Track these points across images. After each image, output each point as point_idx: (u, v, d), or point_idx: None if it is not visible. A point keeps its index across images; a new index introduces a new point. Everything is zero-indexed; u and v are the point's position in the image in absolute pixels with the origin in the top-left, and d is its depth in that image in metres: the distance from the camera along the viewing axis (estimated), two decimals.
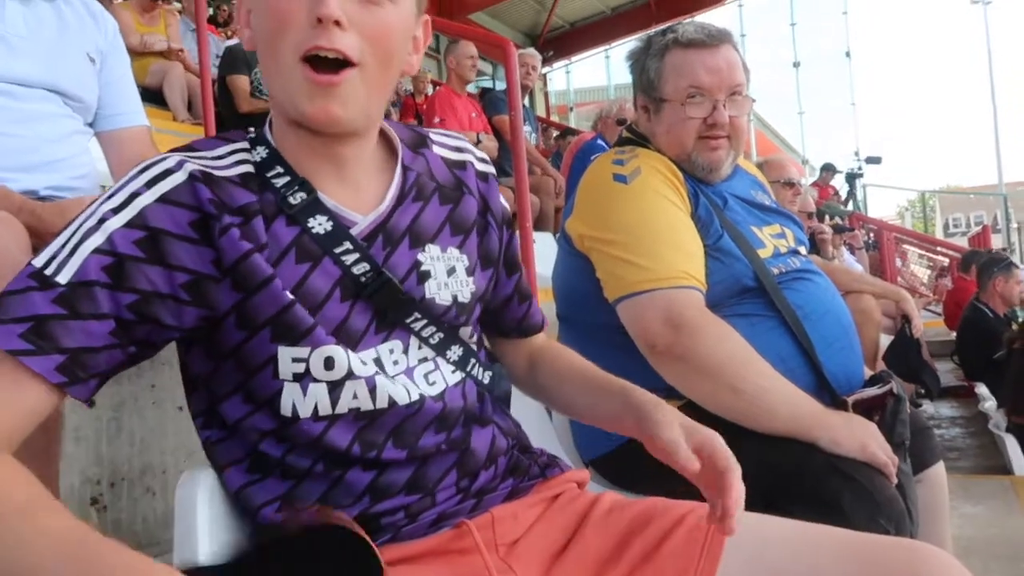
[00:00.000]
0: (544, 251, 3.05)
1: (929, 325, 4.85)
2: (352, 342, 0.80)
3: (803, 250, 1.46)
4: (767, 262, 1.33)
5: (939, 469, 1.46)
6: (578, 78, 17.01)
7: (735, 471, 0.79)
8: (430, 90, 6.58)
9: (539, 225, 4.27)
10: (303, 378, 0.78)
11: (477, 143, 4.06)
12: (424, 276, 0.85)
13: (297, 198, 0.79)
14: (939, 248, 11.57)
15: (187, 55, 5.23)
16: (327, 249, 0.79)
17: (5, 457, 0.67)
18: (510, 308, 1.01)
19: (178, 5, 5.98)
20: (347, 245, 0.80)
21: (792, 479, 1.13)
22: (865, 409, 1.23)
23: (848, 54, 17.51)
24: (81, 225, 0.73)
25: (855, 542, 0.83)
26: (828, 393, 1.26)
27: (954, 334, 5.27)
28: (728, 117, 1.36)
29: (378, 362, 0.82)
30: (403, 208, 0.85)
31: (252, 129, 0.85)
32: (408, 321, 0.84)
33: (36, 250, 1.10)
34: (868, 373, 1.40)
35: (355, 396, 0.79)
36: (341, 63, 0.75)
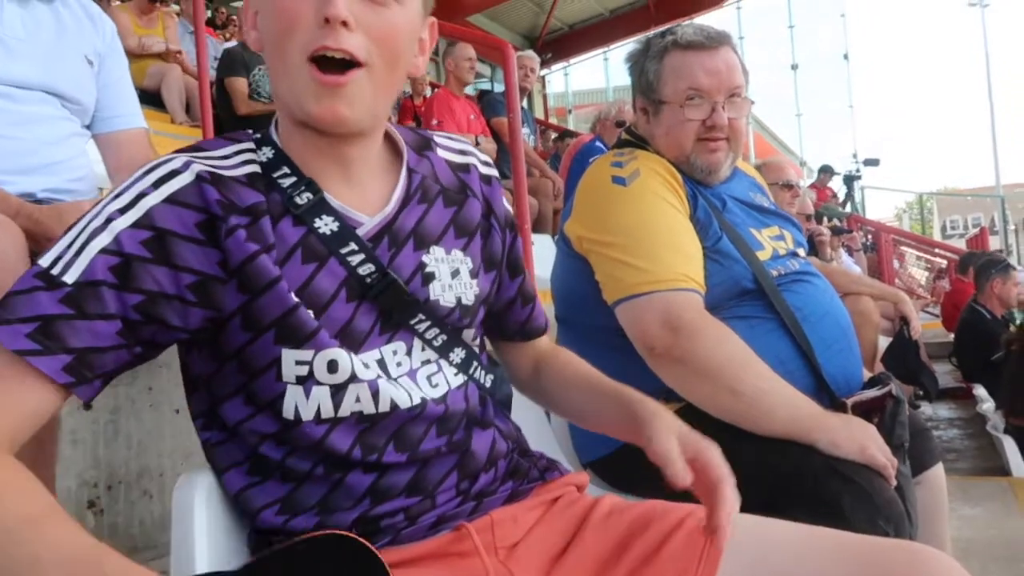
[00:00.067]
0: (543, 253, 3.05)
1: (927, 327, 4.85)
2: (356, 343, 0.80)
3: (802, 252, 1.46)
4: (766, 264, 1.33)
5: (938, 471, 1.45)
6: (576, 80, 17.01)
7: (728, 484, 0.80)
8: (428, 92, 6.58)
9: (538, 227, 4.27)
10: (306, 381, 0.78)
11: (476, 145, 4.05)
12: (429, 278, 0.85)
13: (303, 198, 0.79)
14: (937, 250, 11.59)
15: (185, 57, 5.23)
16: (333, 249, 0.79)
17: (10, 462, 0.67)
18: (513, 311, 1.01)
19: (176, 7, 5.98)
20: (353, 246, 0.80)
21: (791, 481, 1.13)
22: (864, 411, 1.23)
23: (846, 56, 17.56)
24: (87, 225, 0.73)
25: (856, 545, 0.83)
26: (827, 395, 1.26)
27: (952, 336, 5.28)
28: (727, 119, 1.36)
29: (381, 363, 0.82)
30: (408, 210, 0.85)
31: (251, 131, 0.85)
32: (412, 323, 0.84)
33: (33, 254, 1.10)
34: (867, 375, 1.40)
35: (358, 399, 0.79)
36: (348, 63, 0.75)
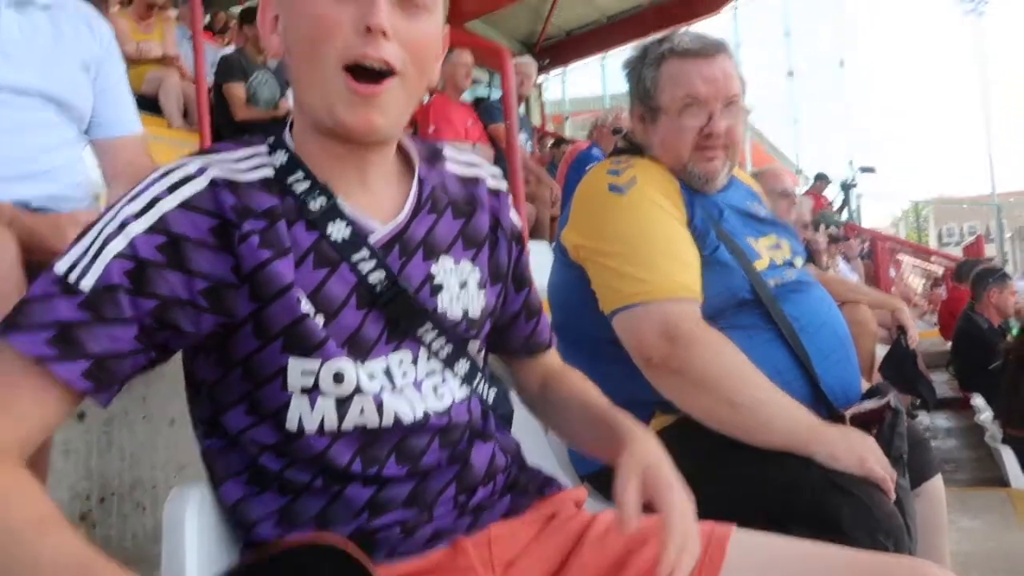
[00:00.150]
0: (539, 260, 3.03)
1: (924, 335, 4.85)
2: (363, 351, 0.80)
3: (799, 261, 1.45)
4: (763, 274, 1.33)
5: (937, 483, 1.45)
6: (573, 87, 17.04)
7: (674, 540, 0.75)
8: (425, 98, 6.58)
9: (535, 234, 4.26)
10: (312, 392, 0.78)
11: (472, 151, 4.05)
12: (437, 288, 0.85)
13: (317, 203, 0.79)
14: (933, 258, 11.61)
15: (183, 62, 5.23)
16: (345, 256, 0.79)
17: (20, 469, 0.68)
18: (517, 324, 1.01)
19: (174, 12, 5.98)
20: (364, 253, 0.80)
21: (789, 494, 1.13)
22: (863, 423, 1.22)
23: (842, 64, 17.63)
24: (102, 230, 0.73)
25: (857, 561, 0.82)
26: (825, 406, 1.25)
27: (949, 344, 5.28)
28: (724, 127, 1.36)
29: (387, 372, 0.82)
30: (419, 219, 0.85)
31: (263, 135, 0.85)
32: (419, 332, 0.84)
33: (27, 263, 1.09)
34: (865, 385, 1.39)
35: (362, 412, 0.79)
36: (381, 72, 0.75)
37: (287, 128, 0.85)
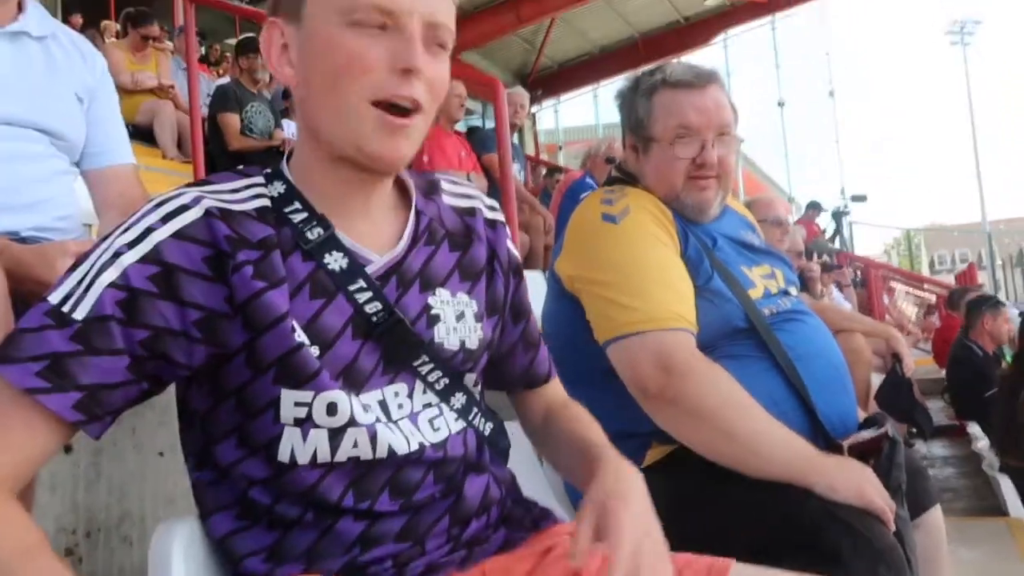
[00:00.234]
0: (533, 289, 3.02)
1: (919, 363, 4.85)
2: (358, 383, 0.80)
3: (793, 290, 1.45)
4: (758, 303, 1.32)
5: (936, 513, 1.43)
6: (567, 117, 17.22)
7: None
8: None
9: (528, 263, 4.27)
10: (304, 423, 0.77)
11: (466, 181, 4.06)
12: (434, 320, 0.85)
13: (314, 233, 0.79)
14: (926, 285, 11.66)
15: (177, 92, 5.27)
16: (341, 286, 0.79)
17: (11, 501, 0.68)
18: (515, 356, 1.00)
19: (170, 45, 6.03)
20: (361, 283, 0.80)
21: (788, 526, 1.11)
22: (861, 453, 1.21)
23: (832, 94, 17.86)
24: (97, 260, 0.73)
25: None
26: (822, 436, 1.24)
27: (944, 371, 5.27)
28: (716, 157, 1.36)
29: (383, 404, 0.81)
30: (416, 251, 0.86)
31: (243, 167, 0.85)
32: (415, 364, 0.83)
33: (15, 293, 1.07)
34: (861, 414, 1.38)
35: (355, 444, 0.79)
36: (408, 108, 0.77)
37: (284, 159, 0.85)
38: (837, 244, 11.39)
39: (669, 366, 1.19)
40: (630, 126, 1.45)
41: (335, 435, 0.78)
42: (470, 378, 0.90)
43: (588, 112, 17.09)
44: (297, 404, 0.77)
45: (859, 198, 13.88)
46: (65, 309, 0.71)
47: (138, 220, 0.75)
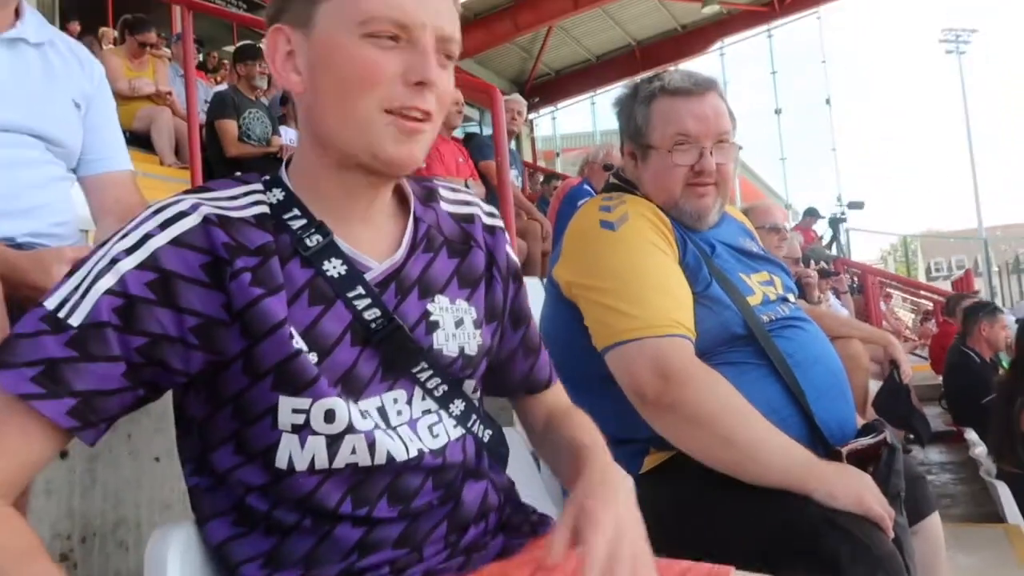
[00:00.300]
0: (531, 296, 3.03)
1: (915, 369, 4.86)
2: (357, 390, 0.79)
3: (792, 297, 1.45)
4: (756, 310, 1.32)
5: (934, 520, 1.43)
6: (564, 124, 17.27)
7: None
8: None
9: (526, 270, 4.26)
10: (302, 430, 0.77)
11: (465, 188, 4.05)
12: (433, 326, 0.85)
13: (313, 240, 0.79)
14: (922, 292, 11.68)
15: (175, 99, 5.27)
16: (340, 293, 0.79)
17: (6, 507, 0.68)
18: (515, 362, 1.00)
19: (168, 52, 6.04)
20: (360, 290, 0.80)
21: (787, 532, 1.11)
22: (859, 460, 1.21)
23: (828, 101, 17.90)
24: (94, 266, 0.73)
25: None
26: (821, 443, 1.24)
27: (941, 378, 5.27)
28: (715, 164, 1.37)
29: (381, 411, 0.81)
30: (415, 258, 0.86)
31: (242, 174, 0.85)
32: (414, 371, 0.83)
33: (9, 299, 1.07)
34: (859, 421, 1.38)
35: (354, 451, 0.78)
36: (420, 119, 0.78)
37: (284, 165, 0.85)
38: (834, 251, 11.40)
39: (667, 373, 1.19)
40: (628, 133, 1.45)
41: (333, 442, 0.78)
42: (469, 384, 0.90)
43: (585, 119, 17.16)
44: (295, 411, 0.76)
45: (856, 205, 13.91)
46: (61, 315, 0.71)
47: (136, 227, 0.75)
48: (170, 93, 5.27)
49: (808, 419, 1.25)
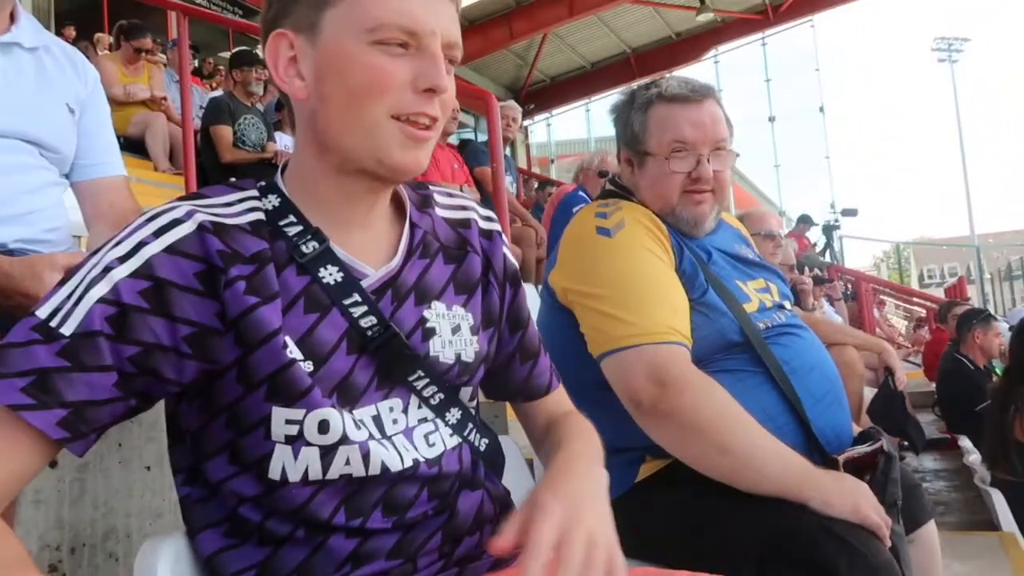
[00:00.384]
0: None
1: (909, 376, 4.87)
2: (352, 398, 0.79)
3: (788, 304, 1.45)
4: (752, 317, 1.32)
5: (931, 528, 1.43)
6: (559, 131, 17.30)
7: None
8: None
9: (521, 276, 4.26)
10: (295, 441, 0.76)
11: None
12: (429, 333, 0.84)
13: (309, 247, 0.78)
14: (915, 299, 11.72)
15: (170, 104, 5.26)
16: (336, 300, 0.78)
17: None
18: (513, 367, 0.98)
19: (163, 58, 6.03)
20: (356, 297, 0.79)
21: (784, 541, 1.10)
22: (856, 468, 1.20)
23: (822, 109, 17.98)
24: (87, 274, 0.72)
25: None
26: (817, 451, 1.24)
27: (934, 385, 5.28)
28: (712, 171, 1.36)
29: (377, 420, 0.80)
30: (411, 264, 0.85)
31: (237, 180, 0.84)
32: (411, 379, 0.83)
33: (2, 307, 1.06)
34: (855, 428, 1.38)
35: (347, 462, 0.78)
36: (428, 124, 0.79)
37: (279, 171, 0.84)
38: (828, 258, 11.43)
39: (663, 380, 1.18)
40: (625, 140, 1.45)
41: (327, 452, 0.77)
42: (465, 392, 0.89)
43: (580, 126, 17.19)
44: (288, 422, 0.76)
45: (850, 212, 13.95)
46: (53, 324, 0.70)
47: (130, 234, 0.74)
48: (165, 98, 5.26)
49: (804, 427, 1.25)
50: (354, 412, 0.79)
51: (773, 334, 1.32)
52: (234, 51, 5.16)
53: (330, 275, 0.78)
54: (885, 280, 17.41)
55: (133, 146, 4.92)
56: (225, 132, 4.42)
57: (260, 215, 0.79)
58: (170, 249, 0.72)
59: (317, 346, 0.77)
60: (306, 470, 0.77)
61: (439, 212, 0.92)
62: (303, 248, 0.78)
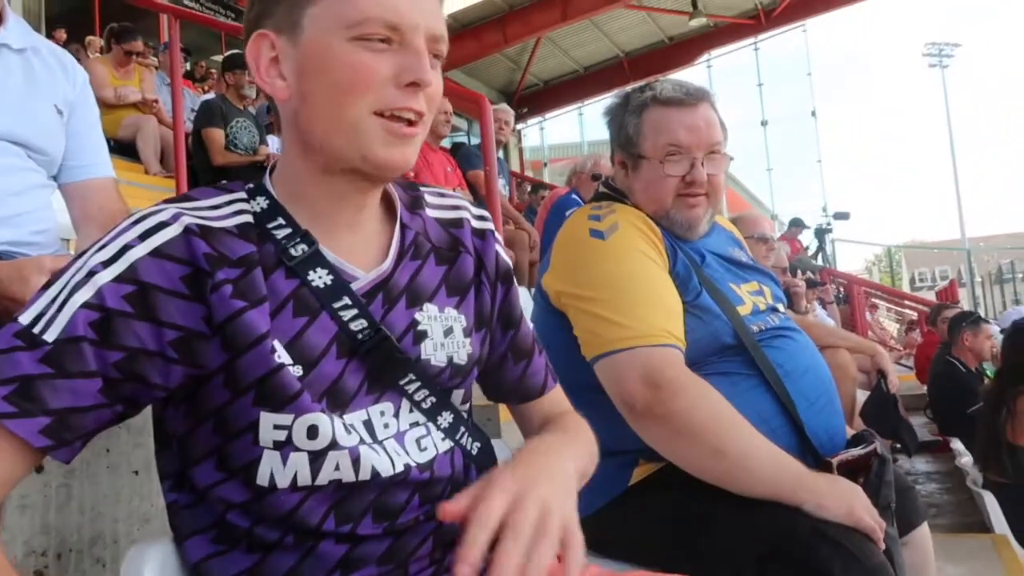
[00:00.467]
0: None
1: (901, 379, 4.88)
2: (342, 403, 0.78)
3: (781, 307, 1.45)
4: (746, 319, 1.32)
5: (924, 530, 1.43)
6: (552, 134, 17.34)
7: (474, 531, 0.64)
8: None
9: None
10: (284, 446, 0.75)
11: None
12: (421, 336, 0.83)
13: (298, 250, 0.77)
14: (907, 302, 11.77)
15: (161, 107, 5.24)
16: (325, 303, 0.77)
17: None
18: (506, 367, 0.97)
19: (154, 61, 6.01)
20: (346, 300, 0.78)
21: (778, 544, 1.10)
22: (849, 470, 1.20)
23: (814, 113, 18.06)
24: (71, 279, 0.71)
25: None
26: (811, 454, 1.23)
27: (926, 387, 5.30)
28: (706, 175, 1.36)
29: (368, 424, 0.79)
30: (403, 266, 0.84)
31: (225, 182, 0.83)
32: (402, 382, 0.81)
33: None
34: (849, 431, 1.37)
35: (337, 467, 0.76)
36: (414, 120, 0.77)
37: (268, 173, 0.83)
38: (820, 261, 11.47)
39: (657, 382, 1.18)
40: (619, 143, 1.45)
41: (316, 458, 0.76)
42: (457, 395, 0.88)
43: (573, 130, 17.26)
44: (276, 427, 0.75)
45: (842, 216, 14.02)
46: (36, 330, 0.69)
47: (115, 237, 0.73)
48: (156, 101, 5.24)
49: (798, 429, 1.25)
50: (344, 417, 0.78)
51: (767, 337, 1.32)
52: (227, 54, 5.15)
53: (319, 278, 0.77)
54: (877, 283, 17.48)
55: (124, 149, 4.90)
56: (217, 135, 4.41)
57: (248, 217, 0.78)
58: (155, 252, 0.71)
59: (306, 350, 0.76)
60: (295, 476, 0.76)
61: (430, 213, 0.91)
62: (292, 251, 0.77)
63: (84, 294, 0.69)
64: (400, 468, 0.79)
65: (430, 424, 0.84)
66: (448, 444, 0.85)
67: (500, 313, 0.94)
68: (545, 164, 16.55)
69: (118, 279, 0.70)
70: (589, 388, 1.25)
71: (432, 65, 0.78)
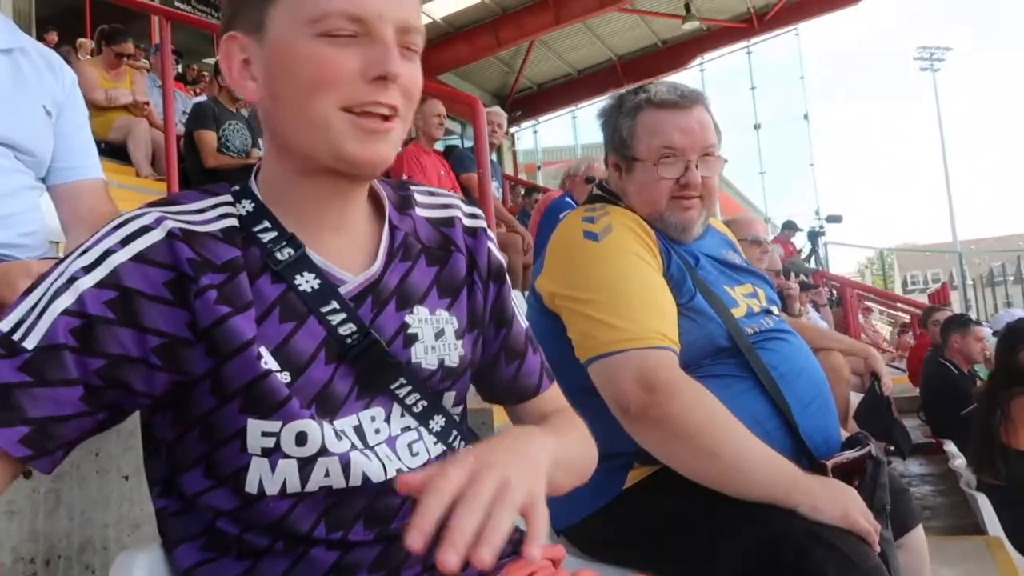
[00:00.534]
0: None
1: (894, 381, 4.89)
2: (332, 409, 0.76)
3: (775, 309, 1.44)
4: (740, 322, 1.31)
5: (918, 533, 1.43)
6: (546, 137, 17.34)
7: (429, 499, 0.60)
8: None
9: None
10: (272, 453, 0.74)
11: None
12: (411, 339, 0.82)
13: (284, 254, 0.76)
14: (899, 304, 11.81)
15: (152, 109, 5.22)
16: (313, 308, 0.76)
17: None
18: (499, 367, 0.95)
19: (146, 63, 5.98)
20: (334, 304, 0.77)
21: (772, 547, 1.09)
22: (844, 473, 1.20)
23: (806, 116, 18.12)
24: (51, 285, 0.69)
25: None
26: (806, 456, 1.23)
27: (919, 390, 5.31)
28: (700, 177, 1.36)
29: (359, 430, 0.78)
30: (392, 268, 0.83)
31: (228, 184, 0.81)
32: (393, 387, 0.80)
33: None
34: (843, 434, 1.37)
35: (327, 474, 0.75)
36: (388, 115, 0.75)
37: (252, 175, 0.82)
38: (813, 264, 11.50)
39: (651, 385, 1.17)
40: (613, 145, 1.44)
41: (305, 465, 0.75)
42: (449, 398, 0.87)
43: (567, 133, 17.24)
44: (264, 434, 0.73)
45: (835, 219, 14.05)
46: (16, 337, 0.67)
47: (96, 242, 0.71)
48: (147, 103, 5.22)
49: (793, 431, 1.24)
50: (335, 423, 0.77)
51: (761, 339, 1.31)
52: (218, 57, 5.12)
53: (306, 282, 0.76)
54: (870, 286, 17.55)
55: (115, 151, 4.87)
56: (209, 137, 4.39)
57: (233, 221, 0.76)
58: (138, 257, 0.70)
59: (294, 356, 0.74)
60: (284, 483, 0.75)
61: (420, 212, 0.89)
62: (278, 255, 0.76)
63: (65, 300, 0.68)
64: (392, 474, 0.78)
65: (422, 428, 0.83)
66: (440, 448, 0.84)
67: (492, 311, 0.93)
68: (539, 167, 16.56)
69: (100, 285, 0.69)
70: (583, 390, 1.24)
71: (407, 58, 0.76)
